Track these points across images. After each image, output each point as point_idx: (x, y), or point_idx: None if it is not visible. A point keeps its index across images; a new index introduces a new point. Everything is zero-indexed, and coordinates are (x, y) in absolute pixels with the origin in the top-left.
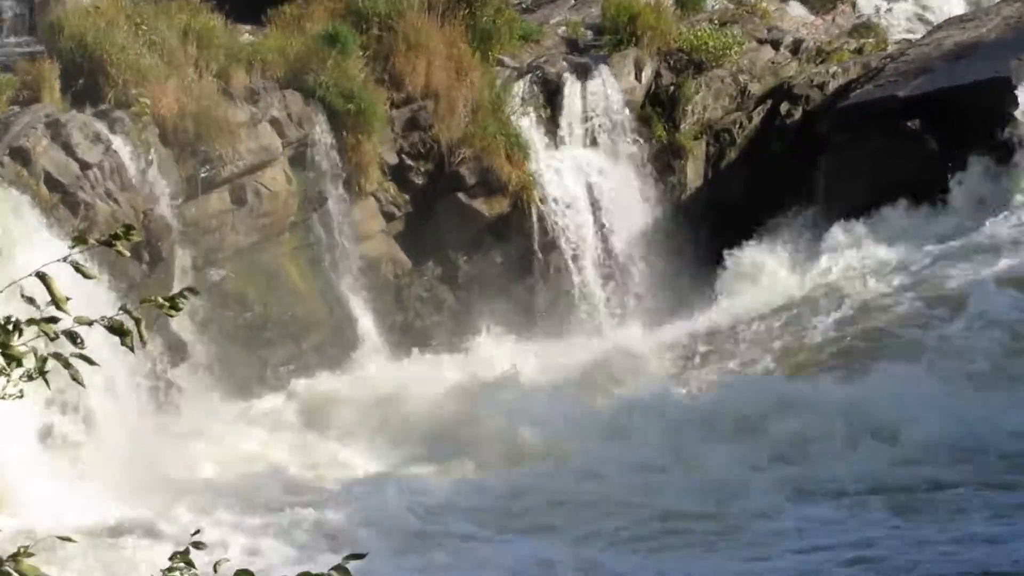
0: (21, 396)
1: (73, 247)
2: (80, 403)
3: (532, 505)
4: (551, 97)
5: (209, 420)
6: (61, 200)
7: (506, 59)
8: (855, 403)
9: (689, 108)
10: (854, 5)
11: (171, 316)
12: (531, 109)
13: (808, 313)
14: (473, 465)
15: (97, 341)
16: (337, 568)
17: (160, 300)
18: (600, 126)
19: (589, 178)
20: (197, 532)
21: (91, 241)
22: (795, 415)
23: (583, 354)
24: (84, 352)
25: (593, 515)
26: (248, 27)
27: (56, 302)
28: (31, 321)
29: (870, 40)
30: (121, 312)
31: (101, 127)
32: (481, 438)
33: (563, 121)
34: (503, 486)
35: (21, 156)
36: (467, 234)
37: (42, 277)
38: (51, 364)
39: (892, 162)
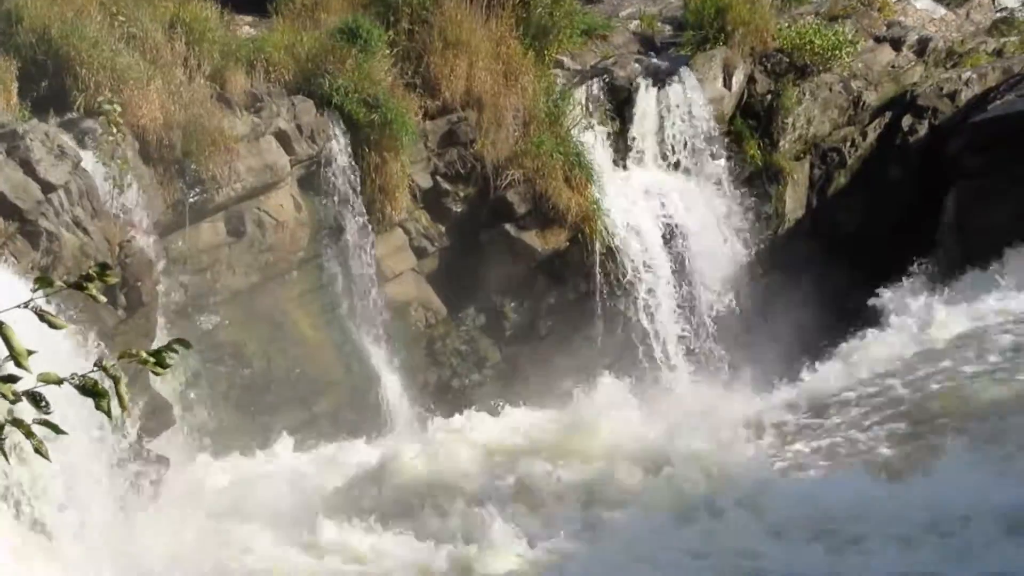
0: None
1: (36, 290)
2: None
3: None
4: (620, 107)
5: (196, 510)
6: (19, 230)
7: (565, 60)
8: None
9: (789, 121)
10: None
11: (157, 374)
12: (596, 122)
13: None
14: None
15: (63, 405)
16: None
17: (143, 354)
18: (680, 143)
19: (665, 206)
20: None
21: (57, 283)
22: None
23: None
24: (49, 418)
25: None
26: (249, 19)
27: (15, 357)
28: None
29: (1012, 39)
30: (96, 369)
31: (68, 140)
32: None
33: (635, 136)
34: None
35: None
36: (516, 274)
37: None
38: (8, 431)
39: None
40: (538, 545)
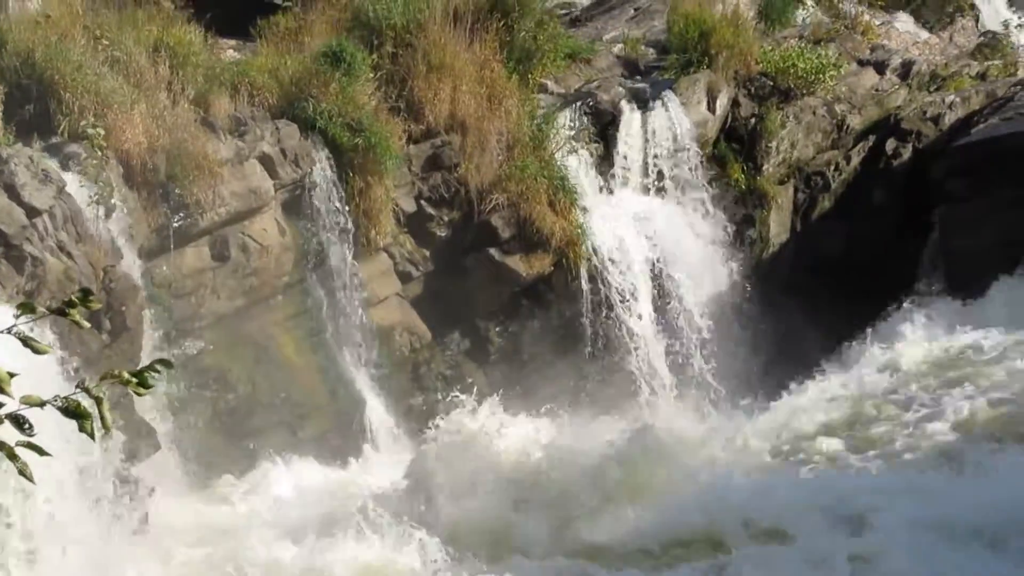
0: None
1: (19, 316)
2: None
3: None
4: (604, 131)
5: (180, 532)
6: (3, 255)
7: (549, 84)
8: None
9: (773, 145)
10: (977, 19)
11: (139, 395)
12: (580, 146)
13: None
14: None
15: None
16: None
17: (126, 375)
18: (664, 167)
19: (650, 231)
20: None
21: (41, 309)
22: None
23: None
24: (33, 440)
25: None
26: (233, 42)
27: None
28: None
29: (996, 62)
30: (78, 391)
31: (52, 164)
32: None
33: (619, 160)
34: None
35: None
36: (500, 298)
37: None
38: None
39: None
40: None
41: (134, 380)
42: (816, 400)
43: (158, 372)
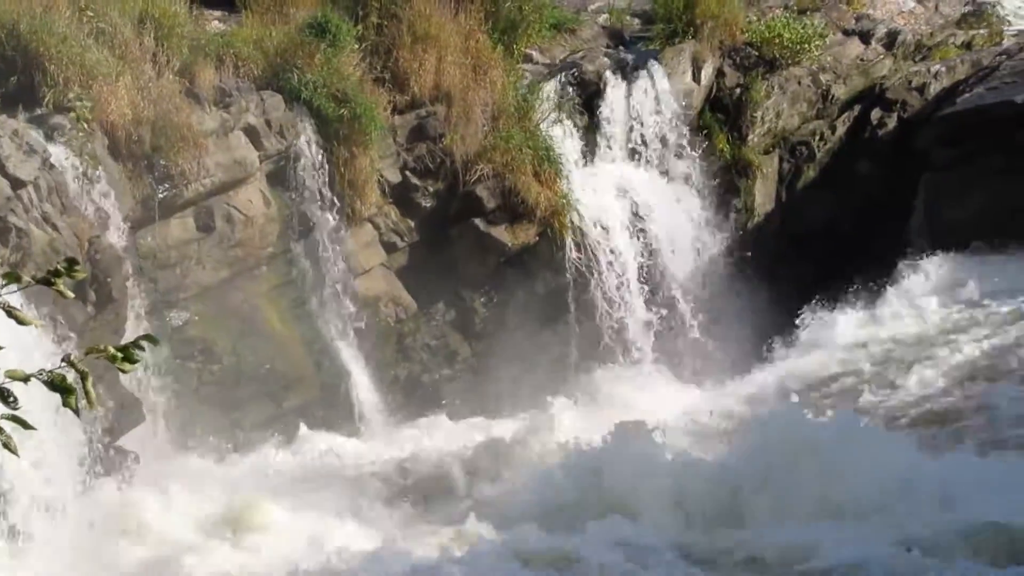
0: None
1: (3, 286)
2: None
3: None
4: (589, 101)
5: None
6: None
7: (534, 54)
8: None
9: (758, 115)
10: None
11: (124, 371)
12: (564, 116)
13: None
14: None
15: (28, 402)
16: None
17: (111, 350)
18: (649, 137)
19: (635, 201)
20: None
21: (26, 278)
22: None
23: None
24: (18, 414)
25: None
26: (218, 13)
27: None
28: None
29: (981, 32)
30: (63, 365)
31: (37, 136)
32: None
33: (604, 131)
34: None
35: None
36: (485, 269)
37: None
38: None
39: (1010, 186)
40: None
41: (120, 355)
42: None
43: (143, 348)
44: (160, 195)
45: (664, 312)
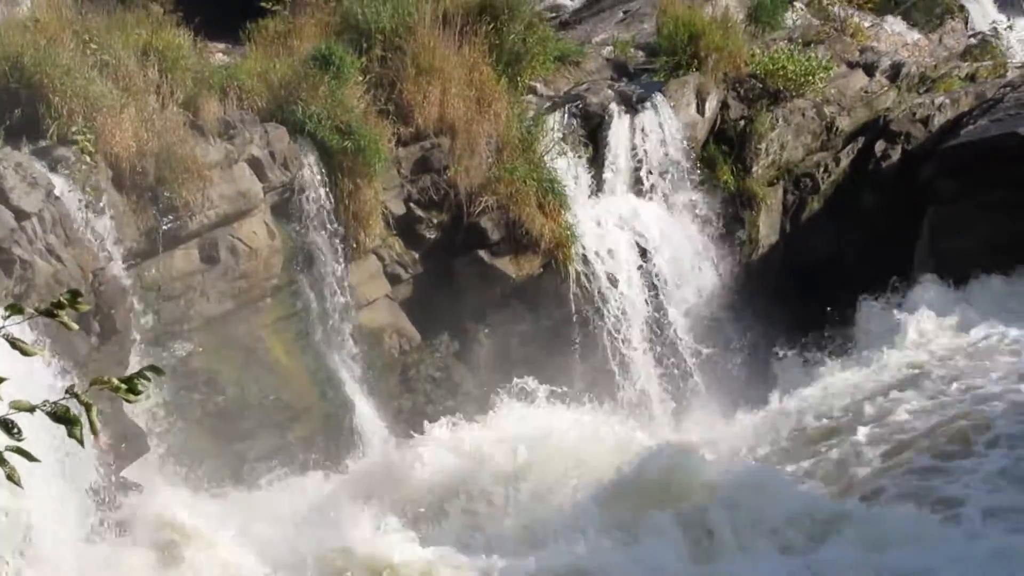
0: None
1: (7, 317)
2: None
3: None
4: (594, 133)
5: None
6: None
7: (539, 86)
8: None
9: (763, 147)
10: (966, 21)
11: (129, 401)
12: (569, 148)
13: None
14: None
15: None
16: None
17: (115, 381)
18: (653, 169)
19: (639, 233)
20: None
21: (29, 310)
22: None
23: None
24: (22, 445)
25: None
26: (222, 46)
27: None
28: None
29: (986, 64)
30: (68, 396)
31: (41, 168)
32: None
33: (608, 163)
34: None
35: None
36: (489, 301)
37: None
38: None
39: (1015, 217)
40: None
41: (124, 387)
42: None
43: (147, 379)
44: (164, 227)
45: (669, 345)
